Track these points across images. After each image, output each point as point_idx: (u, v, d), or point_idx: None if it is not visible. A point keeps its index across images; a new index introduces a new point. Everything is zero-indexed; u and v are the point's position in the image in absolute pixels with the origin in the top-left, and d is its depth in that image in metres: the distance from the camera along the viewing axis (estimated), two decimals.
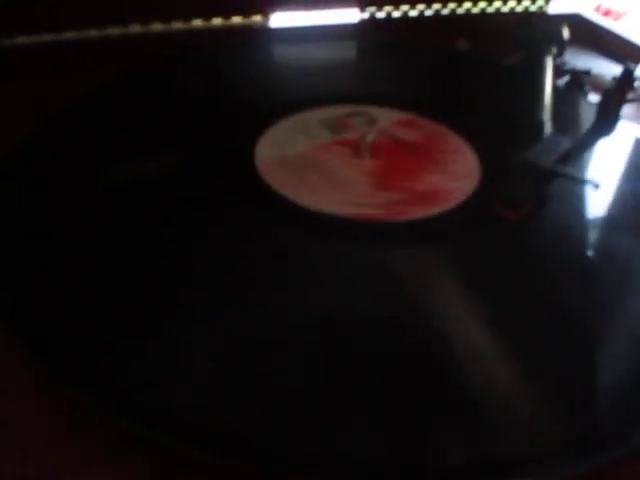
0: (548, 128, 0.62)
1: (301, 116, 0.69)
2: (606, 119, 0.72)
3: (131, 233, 0.52)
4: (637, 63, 0.77)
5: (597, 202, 0.61)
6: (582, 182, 0.60)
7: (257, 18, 0.92)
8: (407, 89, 0.78)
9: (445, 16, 1.02)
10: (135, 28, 0.85)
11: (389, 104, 0.72)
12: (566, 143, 0.61)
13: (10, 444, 0.39)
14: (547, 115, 0.63)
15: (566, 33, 0.73)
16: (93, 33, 0.83)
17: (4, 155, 0.58)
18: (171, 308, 0.46)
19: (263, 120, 0.67)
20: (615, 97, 0.72)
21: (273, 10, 0.91)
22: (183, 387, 0.40)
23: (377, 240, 0.54)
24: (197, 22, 0.88)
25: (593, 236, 0.59)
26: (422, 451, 0.38)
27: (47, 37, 0.80)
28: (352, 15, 0.96)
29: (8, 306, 0.45)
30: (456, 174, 0.61)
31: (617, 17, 1.03)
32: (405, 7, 0.98)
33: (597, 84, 0.84)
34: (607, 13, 1.04)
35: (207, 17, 0.88)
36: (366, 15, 0.97)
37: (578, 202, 0.61)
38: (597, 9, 1.06)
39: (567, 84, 0.84)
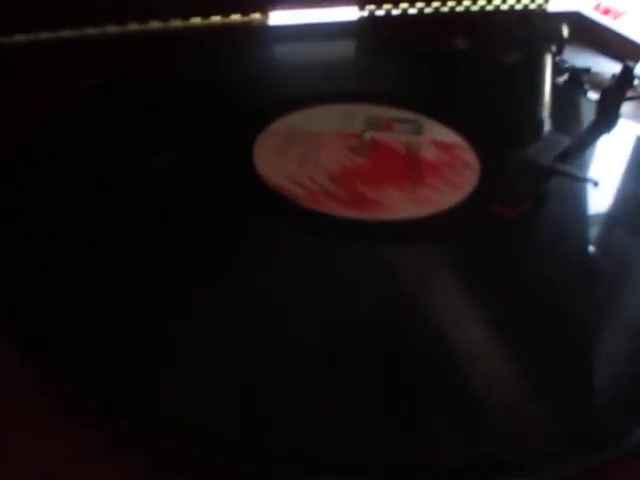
0: (547, 126, 0.62)
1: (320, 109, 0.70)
2: (605, 117, 0.72)
3: (130, 231, 0.52)
4: (637, 61, 0.77)
5: (596, 200, 0.61)
6: (581, 180, 0.60)
7: (256, 16, 0.91)
8: (405, 87, 0.78)
9: (444, 14, 1.01)
10: (134, 26, 0.85)
11: (389, 102, 0.72)
12: (565, 141, 0.60)
13: (10, 444, 0.38)
14: (546, 113, 0.63)
15: (566, 31, 0.73)
16: (92, 31, 0.82)
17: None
18: (171, 307, 0.46)
19: (263, 118, 0.67)
20: (614, 95, 0.72)
21: (272, 8, 0.91)
22: (183, 386, 0.40)
23: (376, 239, 0.54)
24: (196, 20, 0.88)
25: (592, 234, 0.59)
26: (422, 451, 0.38)
27: (46, 35, 0.80)
28: (351, 13, 0.96)
29: (7, 306, 0.45)
30: (430, 202, 0.58)
31: (617, 16, 1.03)
32: (404, 5, 0.98)
33: (596, 82, 0.84)
34: (607, 12, 1.04)
35: (206, 15, 0.88)
36: (365, 13, 0.97)
37: (577, 200, 0.61)
38: (597, 7, 1.05)
39: (566, 82, 0.84)
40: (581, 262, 0.54)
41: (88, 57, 0.77)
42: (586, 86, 0.83)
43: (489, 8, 1.04)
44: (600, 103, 0.73)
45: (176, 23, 0.87)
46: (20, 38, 0.79)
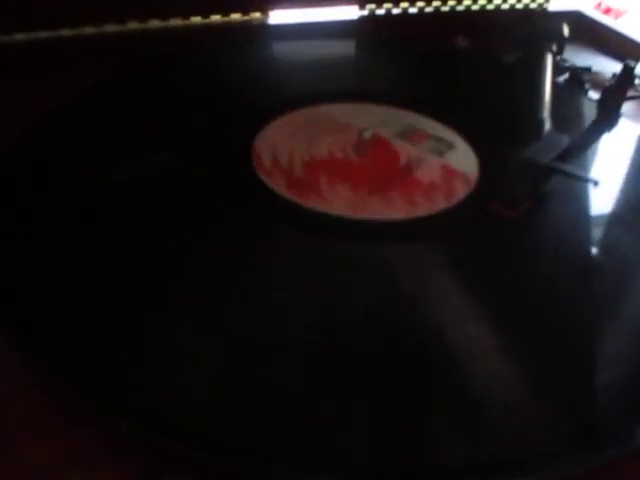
0: (547, 125, 0.62)
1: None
2: (606, 116, 0.72)
3: (129, 231, 0.52)
4: (637, 61, 0.77)
5: (596, 200, 0.61)
6: (581, 180, 0.60)
7: (256, 15, 0.91)
8: (405, 86, 0.78)
9: (445, 13, 1.01)
10: (134, 25, 0.84)
11: (388, 101, 0.72)
12: (565, 141, 0.60)
13: (10, 444, 0.39)
14: (547, 112, 0.63)
15: (566, 30, 0.73)
16: (91, 30, 0.82)
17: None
18: (171, 307, 0.46)
19: (263, 117, 0.67)
20: (615, 95, 0.72)
21: (272, 7, 0.91)
22: (183, 386, 0.40)
23: (376, 238, 0.54)
24: (196, 19, 0.88)
25: (592, 234, 0.59)
26: (422, 451, 0.38)
27: (45, 34, 0.80)
28: (351, 12, 0.96)
29: (7, 306, 0.45)
30: (371, 211, 0.56)
31: (617, 15, 1.03)
32: (405, 4, 0.98)
33: (597, 81, 0.84)
34: (607, 11, 1.04)
35: (206, 14, 0.88)
36: (365, 12, 0.97)
37: (577, 200, 0.61)
38: (597, 7, 1.05)
39: (567, 81, 0.84)
40: (581, 262, 0.54)
41: (88, 56, 0.77)
42: (587, 85, 0.83)
43: (490, 7, 1.04)
44: (601, 102, 0.73)
45: (176, 22, 0.87)
46: (20, 37, 0.79)
